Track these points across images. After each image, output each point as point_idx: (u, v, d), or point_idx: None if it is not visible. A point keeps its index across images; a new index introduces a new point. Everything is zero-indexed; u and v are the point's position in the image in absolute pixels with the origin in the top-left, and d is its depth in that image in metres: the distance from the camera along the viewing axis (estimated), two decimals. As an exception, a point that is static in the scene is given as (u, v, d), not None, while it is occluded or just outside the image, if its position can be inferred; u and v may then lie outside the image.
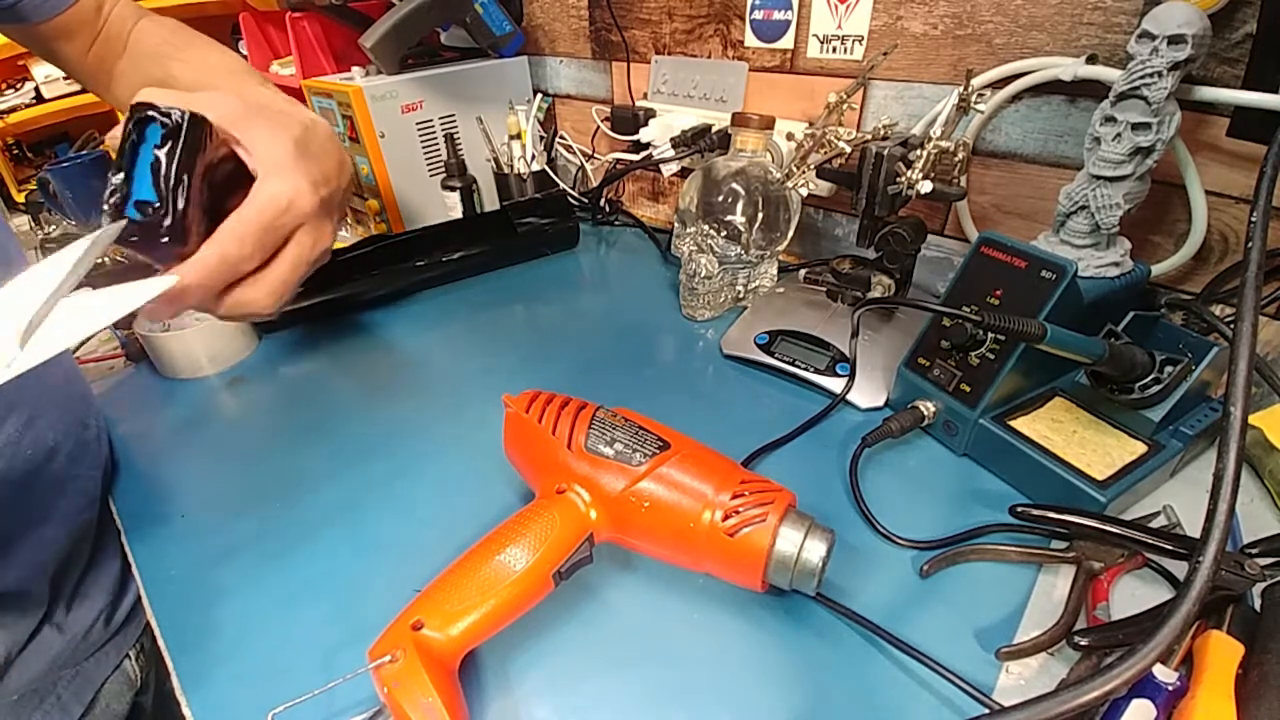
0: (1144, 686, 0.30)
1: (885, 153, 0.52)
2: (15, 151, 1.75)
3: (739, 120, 0.64)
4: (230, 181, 0.38)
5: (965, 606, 0.38)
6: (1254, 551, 0.37)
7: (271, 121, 0.38)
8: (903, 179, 0.51)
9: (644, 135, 0.85)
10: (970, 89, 0.51)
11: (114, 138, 0.34)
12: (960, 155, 0.51)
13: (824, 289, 0.62)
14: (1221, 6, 0.44)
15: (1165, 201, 0.53)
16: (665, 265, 0.80)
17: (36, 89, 1.65)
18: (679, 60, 0.83)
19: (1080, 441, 0.44)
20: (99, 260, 0.30)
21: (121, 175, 0.33)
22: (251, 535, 0.45)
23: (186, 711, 0.35)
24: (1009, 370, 0.44)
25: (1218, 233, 0.52)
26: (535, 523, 0.36)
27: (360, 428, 0.55)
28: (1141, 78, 0.41)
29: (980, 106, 0.53)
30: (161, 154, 0.33)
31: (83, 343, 0.69)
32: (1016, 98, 0.57)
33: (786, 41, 0.71)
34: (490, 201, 0.94)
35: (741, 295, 0.68)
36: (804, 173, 0.56)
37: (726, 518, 0.35)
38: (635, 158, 0.89)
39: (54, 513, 0.47)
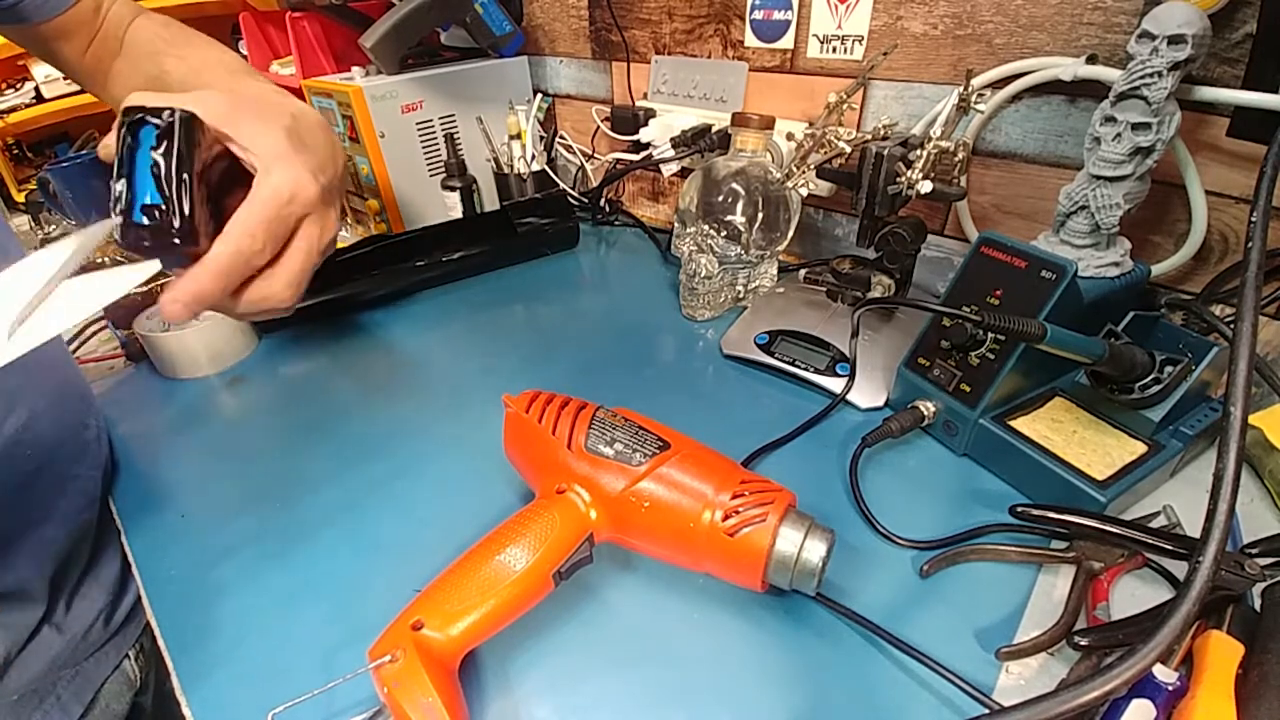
0: (1144, 686, 0.30)
1: (885, 153, 0.52)
2: (15, 151, 1.75)
3: (739, 120, 0.64)
4: (226, 180, 0.38)
5: (965, 606, 0.38)
6: (1254, 551, 0.37)
7: (261, 115, 0.38)
8: (903, 179, 0.51)
9: (644, 135, 0.85)
10: (970, 89, 0.51)
11: (107, 147, 0.34)
12: (960, 155, 0.51)
13: (824, 289, 0.62)
14: (1221, 6, 0.44)
15: (1165, 201, 0.53)
16: (665, 265, 0.80)
17: (36, 89, 1.65)
18: (679, 60, 0.83)
19: (1080, 441, 0.44)
20: (99, 260, 0.30)
21: (124, 183, 0.33)
22: (251, 535, 0.45)
23: (186, 711, 0.35)
24: (1009, 370, 0.44)
25: (1218, 233, 0.52)
26: (535, 523, 0.36)
27: (360, 428, 0.55)
28: (1141, 78, 0.41)
29: (980, 106, 0.53)
30: (159, 155, 0.33)
31: (77, 337, 0.69)
32: (1016, 98, 0.57)
33: (786, 41, 0.71)
34: (490, 201, 0.94)
35: (741, 295, 0.68)
36: (804, 173, 0.56)
37: (726, 518, 0.35)
38: (635, 158, 0.89)
39: (54, 512, 0.47)
